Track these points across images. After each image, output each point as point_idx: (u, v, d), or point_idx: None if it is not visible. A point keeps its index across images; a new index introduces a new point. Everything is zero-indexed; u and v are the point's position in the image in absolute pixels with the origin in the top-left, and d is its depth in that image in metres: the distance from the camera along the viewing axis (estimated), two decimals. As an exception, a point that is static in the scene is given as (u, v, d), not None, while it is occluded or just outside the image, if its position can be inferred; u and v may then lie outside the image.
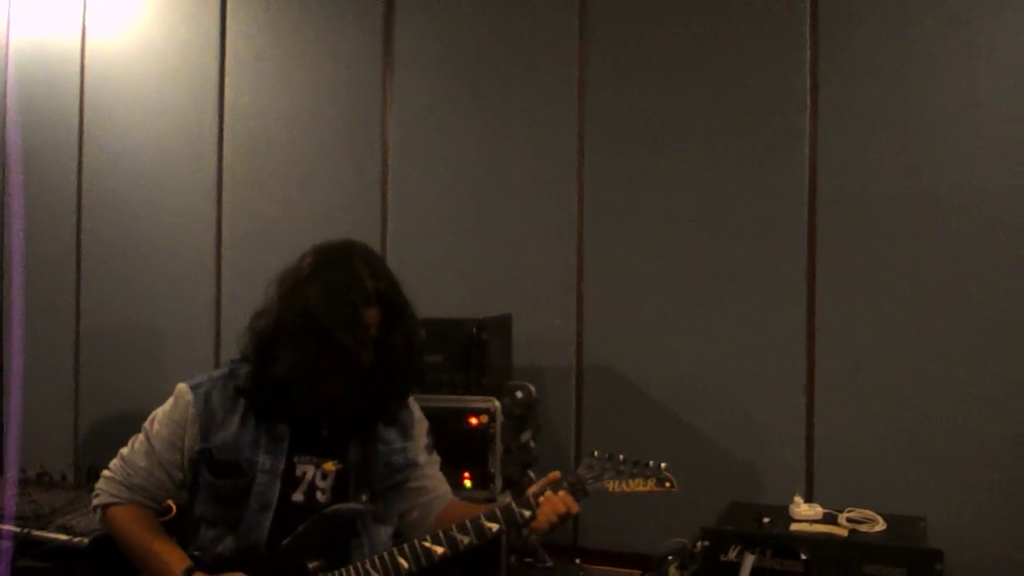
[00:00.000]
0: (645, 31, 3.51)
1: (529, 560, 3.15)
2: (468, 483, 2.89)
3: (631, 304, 3.48)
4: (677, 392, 3.42)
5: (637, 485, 1.99)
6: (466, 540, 1.92)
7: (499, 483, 2.90)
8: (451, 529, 1.94)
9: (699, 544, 2.81)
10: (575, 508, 1.94)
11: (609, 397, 3.51)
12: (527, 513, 1.94)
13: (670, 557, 2.98)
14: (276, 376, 1.92)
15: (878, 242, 3.20)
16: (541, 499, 1.94)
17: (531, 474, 3.23)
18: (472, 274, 3.68)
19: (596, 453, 2.04)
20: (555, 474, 1.99)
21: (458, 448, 2.88)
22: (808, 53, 3.29)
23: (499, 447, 2.89)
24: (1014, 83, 3.06)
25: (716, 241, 3.39)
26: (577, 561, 3.39)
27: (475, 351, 2.98)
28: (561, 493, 1.94)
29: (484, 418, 2.89)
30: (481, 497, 2.85)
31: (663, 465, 2.00)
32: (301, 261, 2.00)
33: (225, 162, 4.07)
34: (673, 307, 3.43)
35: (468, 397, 2.94)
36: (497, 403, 2.92)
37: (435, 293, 3.67)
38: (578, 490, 1.97)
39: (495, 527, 1.94)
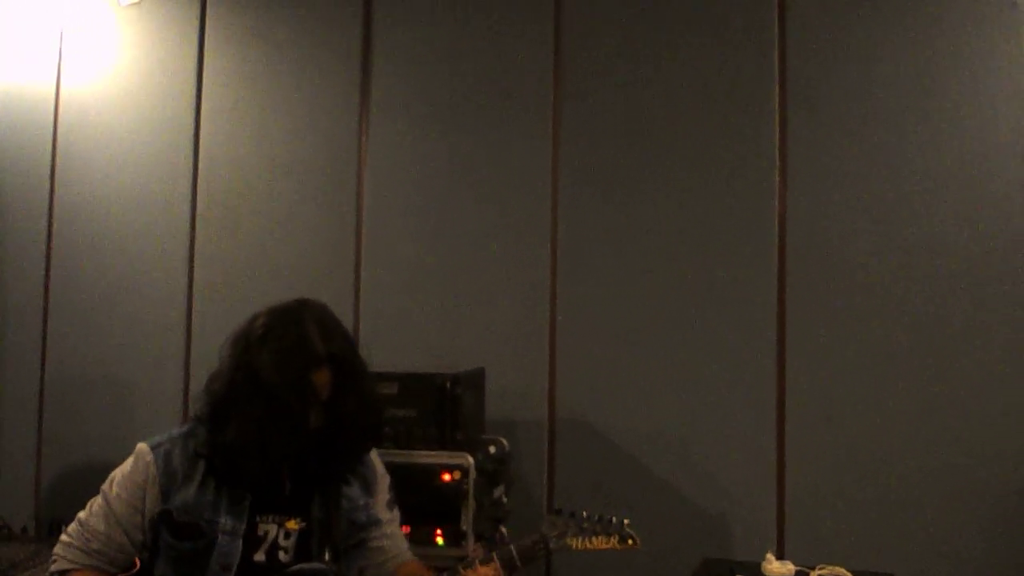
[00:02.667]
0: (619, 85, 3.57)
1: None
2: (440, 540, 2.87)
3: (603, 358, 3.50)
4: (649, 446, 3.43)
5: (600, 543, 2.01)
6: None
7: (471, 540, 2.87)
8: None
9: (672, 602, 2.80)
10: None
11: (581, 451, 3.50)
12: None
13: (643, 614, 2.96)
14: (226, 441, 1.91)
15: (847, 297, 3.26)
16: (469, 572, 1.92)
17: (503, 530, 3.20)
18: (445, 326, 3.68)
19: (559, 510, 2.04)
20: (476, 550, 2.00)
21: (430, 505, 2.86)
22: (777, 109, 3.37)
23: (472, 504, 2.87)
24: (977, 141, 3.15)
25: (687, 295, 3.42)
26: (549, 617, 3.36)
27: (449, 406, 2.97)
28: (492, 566, 1.92)
29: (457, 474, 2.87)
30: (453, 555, 2.82)
31: (626, 522, 2.02)
32: (253, 322, 2.01)
33: (199, 210, 4.05)
34: (645, 361, 3.45)
35: (441, 453, 2.92)
36: (470, 459, 2.90)
37: (408, 345, 3.68)
38: (510, 562, 1.97)
39: None
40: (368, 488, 2.13)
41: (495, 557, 1.96)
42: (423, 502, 2.86)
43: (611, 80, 3.58)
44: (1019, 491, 3.02)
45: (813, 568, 2.89)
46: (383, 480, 2.19)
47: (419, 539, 2.85)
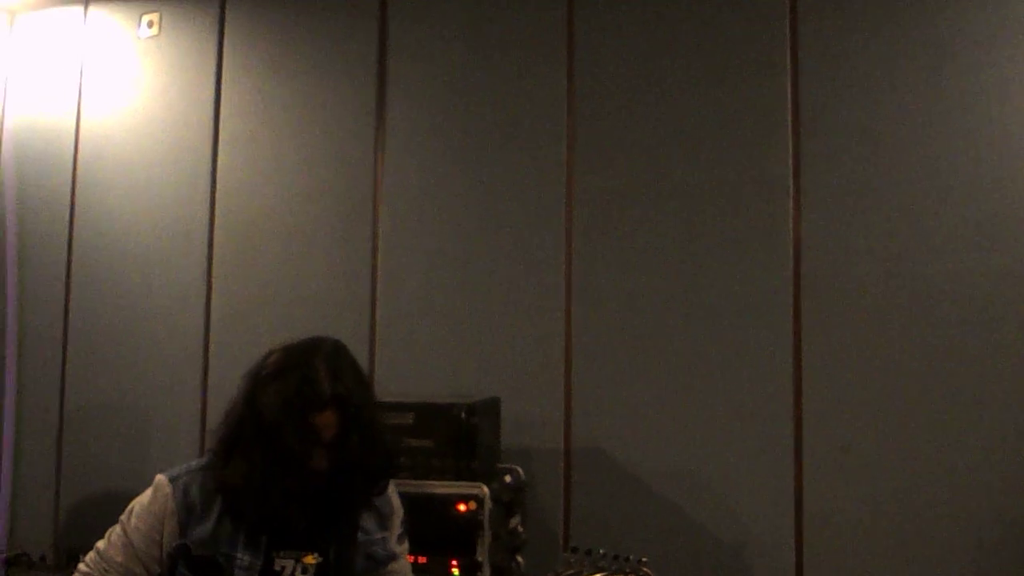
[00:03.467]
0: (633, 114, 3.59)
1: (516, 648, 3.09)
2: (456, 571, 2.86)
3: (619, 386, 3.49)
4: (666, 474, 3.41)
5: None
6: None
7: (487, 572, 2.87)
8: None
9: (689, 633, 2.78)
10: None
11: (598, 480, 3.49)
12: None
13: (660, 646, 2.93)
14: (230, 480, 1.93)
15: (863, 325, 3.24)
16: None
17: (519, 560, 3.19)
18: (461, 355, 3.68)
19: (575, 548, 2.04)
20: None
21: (446, 535, 2.87)
22: (791, 138, 3.38)
23: (488, 534, 2.86)
24: (989, 167, 3.15)
25: (703, 324, 3.42)
26: (565, 648, 3.33)
27: (464, 436, 2.98)
28: None
29: (473, 504, 2.87)
30: (469, 586, 2.82)
31: (644, 560, 2.01)
32: (265, 359, 2.01)
33: (216, 241, 4.09)
34: (661, 389, 3.44)
35: (456, 483, 2.92)
36: (486, 489, 2.90)
37: (424, 375, 3.69)
38: None
39: None
40: (384, 522, 2.13)
41: None
42: (439, 532, 2.86)
43: (624, 108, 3.60)
44: (1041, 520, 2.99)
45: (832, 599, 2.87)
46: (398, 514, 2.19)
47: (435, 570, 2.85)
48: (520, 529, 3.20)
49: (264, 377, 1.97)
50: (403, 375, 3.70)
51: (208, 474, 2.01)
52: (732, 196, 3.43)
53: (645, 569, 2.03)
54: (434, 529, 2.86)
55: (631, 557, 2.03)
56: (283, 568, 2.00)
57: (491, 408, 3.26)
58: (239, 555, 1.96)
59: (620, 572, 2.02)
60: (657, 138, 3.55)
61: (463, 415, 2.97)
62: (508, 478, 3.09)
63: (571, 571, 2.02)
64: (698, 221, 3.47)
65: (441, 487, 2.92)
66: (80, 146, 4.38)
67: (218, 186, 4.10)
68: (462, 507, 2.87)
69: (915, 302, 3.20)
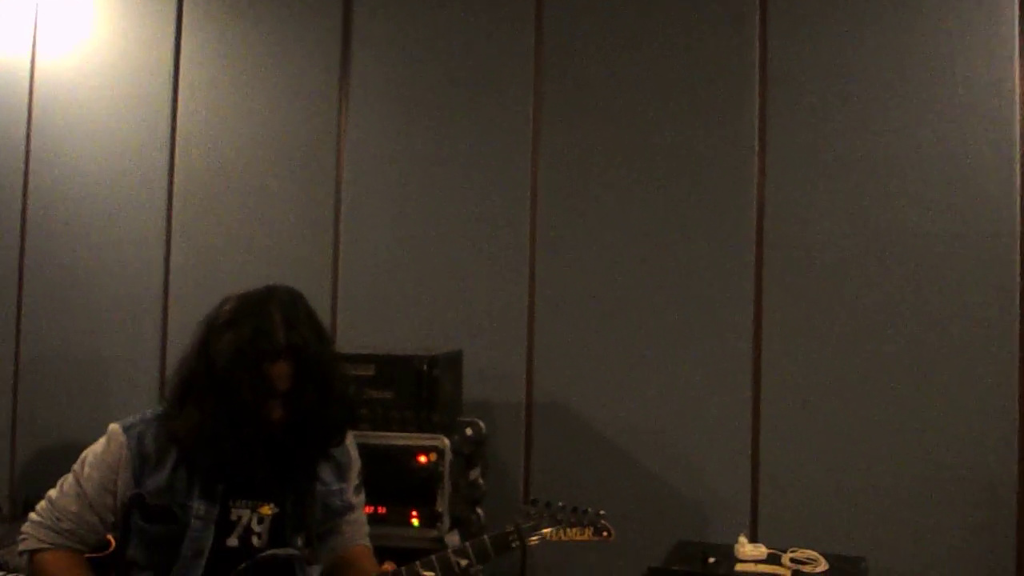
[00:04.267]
0: (600, 72, 3.56)
1: (475, 600, 3.13)
2: (416, 522, 2.88)
3: (582, 341, 3.51)
4: (626, 429, 3.45)
5: (574, 534, 2.02)
6: None
7: (447, 521, 2.88)
8: None
9: (646, 584, 2.82)
10: None
11: (559, 433, 3.52)
12: None
13: (617, 596, 2.98)
14: (182, 430, 1.91)
15: (824, 283, 3.28)
16: None
17: (480, 511, 3.22)
18: (424, 309, 3.68)
19: (534, 501, 2.05)
20: (389, 565, 1.99)
21: (406, 486, 2.88)
22: (757, 97, 3.38)
23: (448, 485, 2.87)
24: (955, 130, 3.17)
25: (665, 281, 3.44)
26: (524, 599, 3.37)
27: (425, 388, 2.97)
28: None
29: (433, 456, 2.88)
30: (428, 536, 2.84)
31: (601, 513, 2.04)
32: (220, 308, 1.97)
33: (176, 189, 4.01)
34: (623, 344, 3.46)
35: (417, 435, 2.92)
36: (446, 441, 2.91)
37: (387, 327, 3.68)
38: (483, 552, 1.99)
39: None
40: (341, 473, 2.12)
41: (404, 572, 1.95)
42: (399, 484, 2.87)
43: (592, 65, 3.57)
44: (990, 478, 3.06)
45: (785, 551, 2.92)
46: (355, 465, 2.19)
47: (395, 520, 2.87)
48: (480, 481, 3.22)
49: (218, 326, 1.94)
50: (366, 327, 3.69)
51: (163, 423, 1.99)
52: (698, 154, 3.43)
53: (603, 522, 2.05)
54: (394, 480, 2.87)
55: (589, 510, 2.05)
56: (239, 518, 1.99)
57: (453, 361, 3.25)
58: (195, 504, 1.95)
59: (578, 524, 2.04)
60: (624, 96, 3.53)
61: (424, 367, 2.96)
62: (469, 431, 3.09)
63: (530, 523, 2.02)
64: (663, 179, 3.46)
65: (402, 439, 2.92)
66: (35, 90, 4.25)
67: (178, 133, 4.02)
68: (422, 459, 2.88)
69: (876, 263, 3.23)
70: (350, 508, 2.13)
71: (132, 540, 1.99)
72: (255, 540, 1.99)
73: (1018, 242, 3.09)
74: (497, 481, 3.43)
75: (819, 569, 2.82)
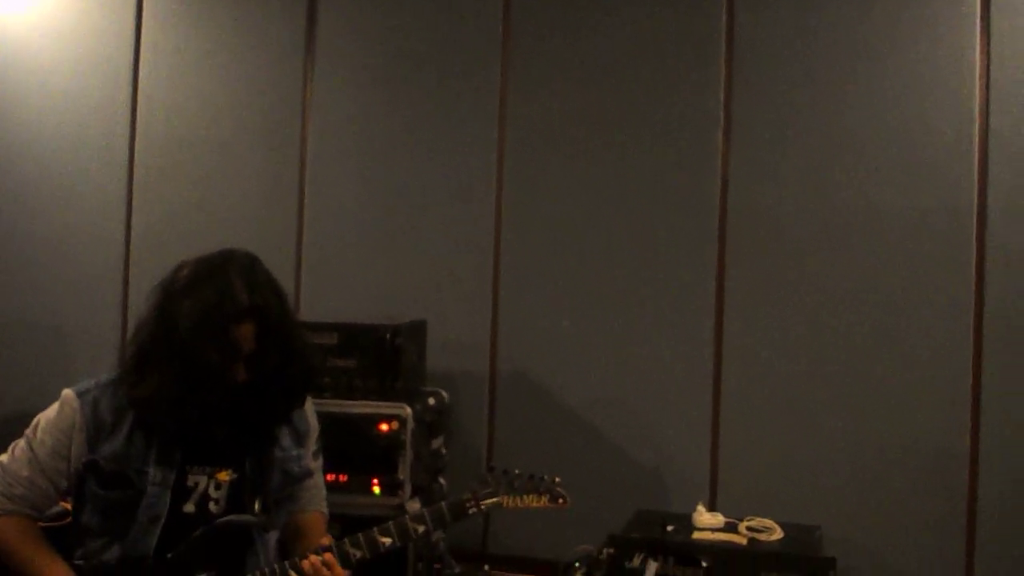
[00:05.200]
0: (567, 44, 3.55)
1: (437, 566, 3.15)
2: (377, 490, 2.88)
3: (546, 312, 3.53)
4: (588, 399, 3.48)
5: (531, 501, 2.04)
6: None
7: (408, 490, 2.90)
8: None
9: (605, 551, 2.86)
10: (339, 573, 1.94)
11: (522, 403, 3.54)
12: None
13: (577, 563, 3.02)
14: (145, 396, 1.89)
15: (785, 258, 3.31)
16: (304, 563, 1.93)
17: (442, 480, 3.24)
18: (389, 278, 3.67)
19: (491, 468, 2.06)
20: (326, 539, 1.99)
21: (368, 454, 2.88)
22: (723, 72, 3.38)
23: (409, 454, 2.88)
24: (916, 109, 3.20)
25: (630, 252, 3.45)
26: (486, 567, 3.40)
27: (388, 357, 2.97)
28: (326, 556, 1.93)
29: (395, 424, 2.88)
30: (390, 503, 2.85)
31: (557, 480, 2.05)
32: (177, 272, 1.95)
33: (137, 156, 3.96)
34: (587, 315, 3.48)
35: (380, 403, 2.93)
36: (408, 409, 2.91)
37: (351, 296, 3.67)
38: (440, 519, 2.00)
39: None
40: (300, 439, 2.12)
41: (333, 547, 1.95)
42: (361, 452, 2.88)
43: (558, 36, 3.56)
44: (943, 449, 3.13)
45: (742, 520, 2.98)
46: (314, 431, 2.19)
47: (356, 488, 2.88)
48: (443, 451, 3.23)
49: (178, 290, 1.92)
50: (330, 296, 3.68)
51: (118, 389, 1.97)
52: (663, 129, 3.44)
53: (559, 489, 2.06)
54: (356, 448, 2.88)
55: (546, 477, 2.06)
56: (196, 484, 1.98)
57: (417, 331, 3.25)
58: (151, 470, 1.93)
59: (535, 491, 2.05)
60: (590, 67, 3.52)
61: (387, 336, 2.96)
62: (432, 400, 3.10)
63: (487, 490, 2.03)
64: (629, 151, 3.47)
65: (364, 407, 2.92)
66: (-8, 50, 4.16)
67: (140, 98, 3.96)
68: (384, 427, 2.88)
69: (837, 237, 3.26)
70: (308, 474, 2.13)
71: (87, 506, 1.97)
72: (212, 506, 1.99)
73: (975, 219, 3.14)
74: (460, 450, 3.45)
75: (774, 537, 2.88)
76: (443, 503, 2.02)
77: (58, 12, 4.07)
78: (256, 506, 1.99)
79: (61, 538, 2.04)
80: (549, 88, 3.56)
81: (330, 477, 2.82)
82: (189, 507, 1.97)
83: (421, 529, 1.99)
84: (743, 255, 3.35)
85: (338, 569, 1.94)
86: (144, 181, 3.95)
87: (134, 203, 3.95)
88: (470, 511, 2.02)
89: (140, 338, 1.95)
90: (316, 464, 2.19)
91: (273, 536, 2.08)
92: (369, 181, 3.72)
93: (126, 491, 1.93)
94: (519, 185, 3.58)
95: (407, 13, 3.70)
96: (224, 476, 2.00)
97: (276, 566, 1.97)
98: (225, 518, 1.97)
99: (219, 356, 1.87)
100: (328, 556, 1.93)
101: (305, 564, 1.93)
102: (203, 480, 1.99)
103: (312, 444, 2.17)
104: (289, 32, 3.82)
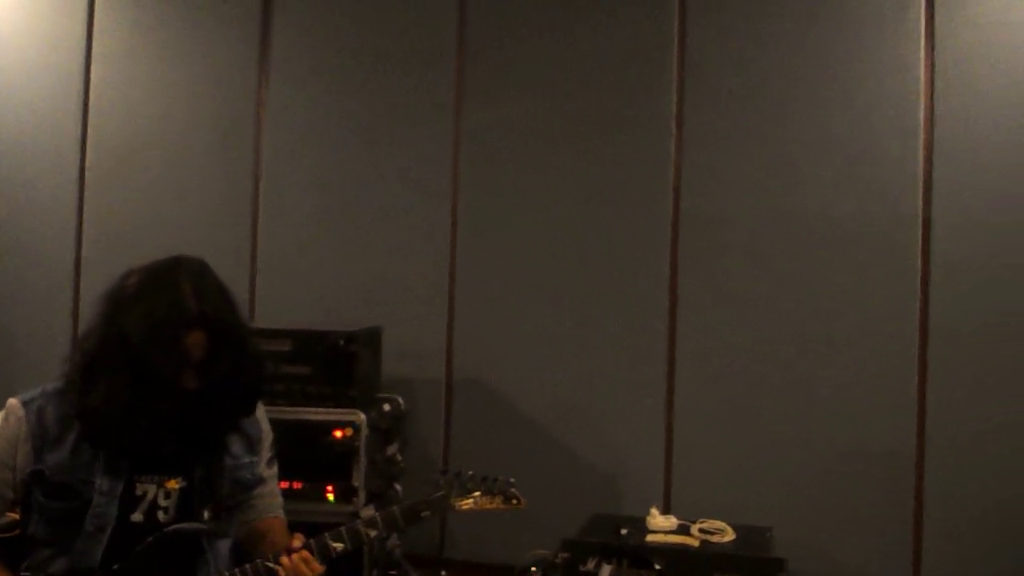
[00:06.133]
0: (522, 51, 3.58)
1: (393, 572, 3.15)
2: (331, 497, 2.88)
3: (501, 318, 3.54)
4: (544, 406, 3.49)
5: (484, 503, 2.03)
6: None
7: (363, 496, 2.89)
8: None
9: (560, 555, 2.87)
10: (317, 568, 1.93)
11: (478, 410, 3.55)
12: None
13: (533, 568, 3.04)
14: (94, 405, 1.87)
15: (737, 262, 3.36)
16: (284, 559, 1.92)
17: (397, 487, 3.24)
18: (345, 285, 3.66)
19: (445, 471, 2.06)
20: (297, 539, 1.97)
21: (322, 461, 2.88)
22: (675, 81, 3.43)
23: (363, 460, 2.88)
24: (863, 114, 3.27)
25: (583, 258, 3.48)
26: (443, 573, 3.41)
27: (342, 363, 2.97)
28: (304, 554, 1.92)
29: (349, 431, 2.88)
30: (344, 511, 2.84)
31: (512, 481, 2.04)
32: (125, 280, 1.92)
33: (88, 162, 3.91)
34: (542, 321, 3.50)
35: (333, 410, 2.92)
36: (363, 416, 2.91)
37: (307, 304, 3.66)
38: (393, 523, 1.99)
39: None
40: (252, 447, 2.10)
41: (312, 544, 1.95)
42: (315, 459, 2.87)
43: (514, 42, 3.58)
44: (887, 451, 3.19)
45: (695, 522, 3.01)
46: (267, 438, 2.17)
47: (311, 495, 2.87)
48: (398, 457, 3.24)
49: (126, 299, 1.89)
50: (285, 303, 3.67)
51: (64, 398, 1.94)
52: (617, 134, 3.48)
53: (513, 490, 2.06)
54: (310, 455, 2.87)
55: (499, 478, 2.06)
56: (145, 493, 1.96)
57: (372, 337, 3.25)
58: (98, 480, 1.91)
59: (488, 493, 2.05)
60: (545, 73, 3.55)
61: (341, 343, 2.96)
62: (387, 406, 3.11)
63: (440, 493, 2.03)
64: (583, 157, 3.50)
65: (318, 414, 2.92)
66: (-61, 55, 4.09)
67: (91, 103, 3.92)
68: (338, 433, 2.87)
69: (786, 243, 3.32)
70: (260, 481, 2.11)
71: (33, 517, 1.94)
72: (161, 515, 1.96)
73: (920, 226, 3.21)
74: (417, 456, 3.45)
75: (726, 539, 2.91)
76: (395, 507, 2.02)
77: (7, 17, 4.01)
78: (205, 514, 1.97)
79: (10, 549, 2.01)
80: (504, 95, 3.58)
81: (284, 484, 2.79)
82: (137, 516, 1.94)
83: (373, 533, 1.98)
84: (695, 261, 3.39)
85: (316, 564, 1.93)
86: (96, 187, 3.90)
87: (85, 210, 3.91)
88: (423, 515, 2.02)
89: (87, 347, 1.92)
90: (270, 472, 2.17)
91: (225, 544, 2.06)
92: (324, 187, 3.71)
93: (72, 502, 1.90)
94: (475, 191, 3.59)
95: (362, 19, 3.71)
96: (173, 484, 1.97)
97: (248, 566, 1.94)
98: (173, 526, 1.95)
99: (169, 364, 1.85)
100: (304, 552, 1.92)
101: (285, 561, 1.91)
102: (152, 489, 1.96)
103: (266, 451, 2.15)
104: (243, 37, 3.80)
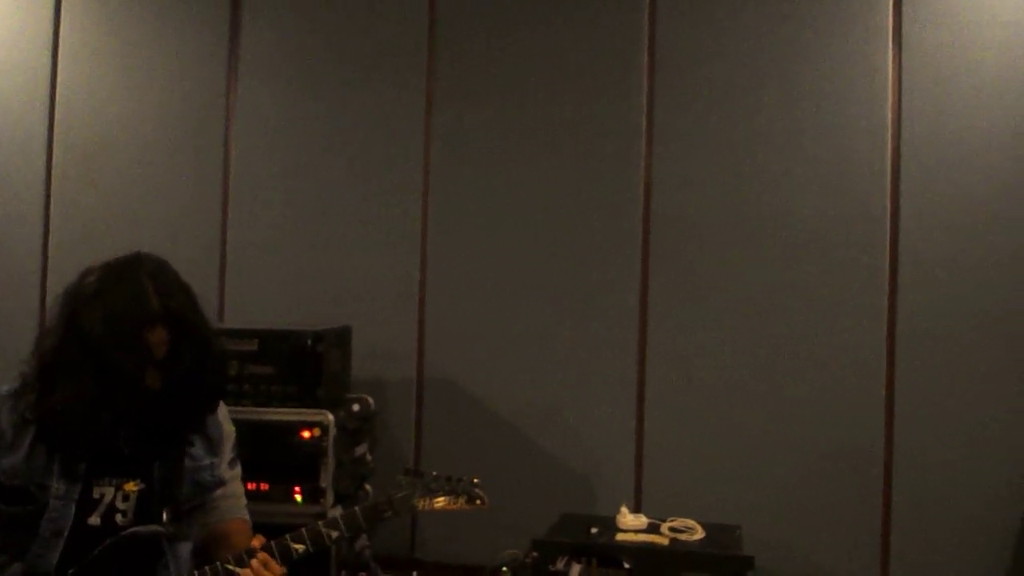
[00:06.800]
0: (493, 51, 3.57)
1: (363, 574, 3.12)
2: (299, 498, 2.85)
3: (472, 318, 3.53)
4: (515, 405, 3.49)
5: (447, 503, 2.00)
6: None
7: (330, 497, 2.87)
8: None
9: (530, 555, 2.87)
10: (277, 570, 1.90)
11: (449, 410, 3.54)
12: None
13: (504, 568, 3.03)
14: (55, 405, 1.84)
15: (707, 262, 3.37)
16: (254, 561, 1.88)
17: (367, 487, 3.22)
18: (315, 285, 3.64)
19: (407, 470, 2.04)
20: (257, 541, 1.94)
21: (289, 462, 2.85)
22: (645, 81, 3.43)
23: (331, 461, 2.86)
24: (833, 116, 3.29)
25: (554, 258, 3.48)
26: (413, 573, 3.39)
27: (309, 363, 2.95)
28: (261, 556, 1.89)
29: (316, 431, 2.85)
30: (311, 512, 2.82)
31: (475, 481, 2.01)
32: (84, 278, 1.90)
33: (55, 161, 3.87)
34: (513, 321, 3.50)
35: (301, 410, 2.90)
36: (330, 416, 2.89)
37: (276, 304, 3.63)
38: (354, 524, 1.96)
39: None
40: (213, 448, 2.07)
41: (273, 546, 1.92)
42: (282, 460, 2.85)
43: (484, 43, 3.58)
44: (855, 449, 3.21)
45: (664, 520, 3.01)
46: (229, 439, 2.14)
47: (278, 496, 2.85)
48: (368, 457, 3.22)
49: (86, 296, 1.87)
50: (254, 302, 3.64)
51: (20, 400, 1.91)
52: (587, 135, 3.48)
53: (477, 490, 2.04)
54: (277, 456, 2.85)
55: (464, 478, 2.03)
56: (102, 496, 1.92)
57: (340, 337, 3.23)
58: (54, 484, 1.87)
59: (452, 493, 2.02)
60: (515, 75, 3.55)
61: (308, 342, 2.94)
62: (356, 407, 3.08)
63: (402, 493, 2.01)
64: (553, 158, 3.50)
65: (285, 414, 2.89)
66: (-97, 53, 4.03)
67: (57, 101, 3.88)
68: (306, 434, 2.85)
69: (756, 242, 3.33)
70: (221, 483, 2.09)
71: (-11, 520, 1.92)
72: (119, 518, 1.93)
73: (888, 224, 3.23)
74: (388, 457, 3.43)
75: (696, 537, 2.91)
76: (357, 508, 1.99)
77: (-29, 16, 3.97)
78: (165, 516, 1.95)
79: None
80: (475, 95, 3.57)
81: (251, 486, 2.78)
82: (94, 520, 1.91)
83: (335, 534, 1.96)
84: (666, 261, 3.40)
85: (275, 565, 1.89)
86: (63, 187, 3.86)
87: (52, 209, 3.86)
88: (385, 515, 1.99)
89: (45, 347, 1.89)
90: (233, 472, 2.14)
91: (185, 548, 2.03)
92: (294, 186, 3.69)
93: (27, 506, 1.87)
94: (445, 190, 3.58)
95: (332, 18, 3.69)
96: (131, 487, 1.95)
97: (207, 568, 1.92)
98: (131, 529, 1.92)
99: (132, 361, 1.82)
100: (263, 555, 1.89)
101: (254, 563, 1.88)
102: (109, 492, 1.93)
103: (228, 451, 2.12)
104: (212, 36, 3.77)
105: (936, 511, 3.14)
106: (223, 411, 2.14)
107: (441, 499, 2.01)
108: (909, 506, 3.16)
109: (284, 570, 1.92)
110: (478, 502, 2.03)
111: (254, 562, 1.89)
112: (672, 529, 2.96)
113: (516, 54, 3.55)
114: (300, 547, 1.95)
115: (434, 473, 2.05)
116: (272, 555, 1.91)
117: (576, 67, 3.49)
